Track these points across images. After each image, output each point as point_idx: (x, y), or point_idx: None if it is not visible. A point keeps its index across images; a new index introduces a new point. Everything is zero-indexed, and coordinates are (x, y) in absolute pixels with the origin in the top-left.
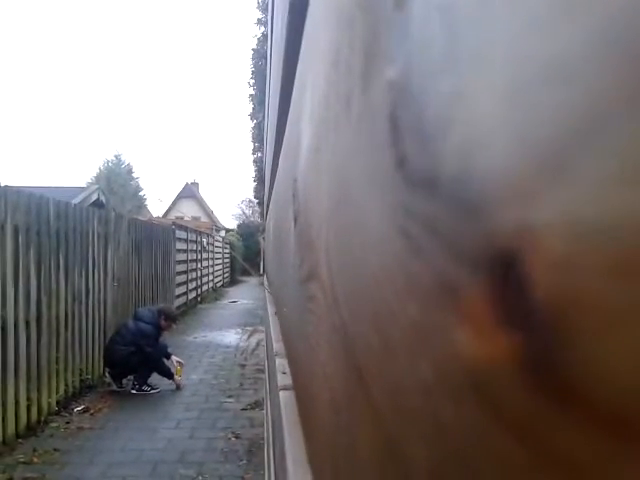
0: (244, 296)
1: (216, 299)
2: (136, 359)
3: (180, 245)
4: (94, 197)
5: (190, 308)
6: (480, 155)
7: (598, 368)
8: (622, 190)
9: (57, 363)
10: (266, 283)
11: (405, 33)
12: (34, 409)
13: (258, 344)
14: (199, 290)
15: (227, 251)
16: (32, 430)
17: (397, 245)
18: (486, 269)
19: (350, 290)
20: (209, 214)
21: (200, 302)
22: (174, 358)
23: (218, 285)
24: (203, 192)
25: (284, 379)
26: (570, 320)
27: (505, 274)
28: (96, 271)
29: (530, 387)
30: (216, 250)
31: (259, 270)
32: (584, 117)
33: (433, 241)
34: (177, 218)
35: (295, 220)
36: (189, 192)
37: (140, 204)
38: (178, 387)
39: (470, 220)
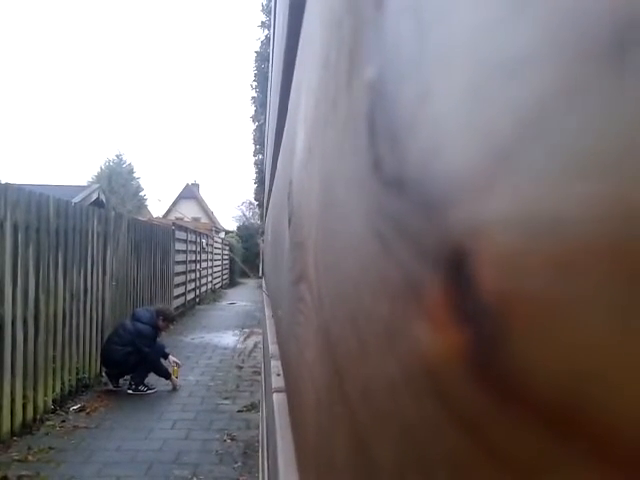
0: (242, 298)
1: (214, 300)
2: (134, 359)
3: (179, 246)
4: (94, 196)
5: (188, 309)
6: (439, 155)
7: (540, 364)
8: (566, 188)
9: (54, 361)
10: (264, 285)
11: (382, 34)
12: (30, 407)
13: (255, 346)
14: (198, 291)
15: (226, 253)
16: (27, 428)
17: (372, 247)
18: (443, 268)
19: (333, 291)
20: (209, 215)
21: (198, 303)
22: (171, 358)
23: (217, 286)
24: (204, 193)
25: (278, 381)
26: (515, 316)
27: (458, 272)
28: (95, 270)
29: (478, 382)
30: (215, 251)
31: (258, 272)
32: (532, 116)
33: (402, 242)
34: (177, 219)
35: (289, 222)
36: (190, 193)
37: (140, 204)
38: (174, 388)
39: (431, 220)
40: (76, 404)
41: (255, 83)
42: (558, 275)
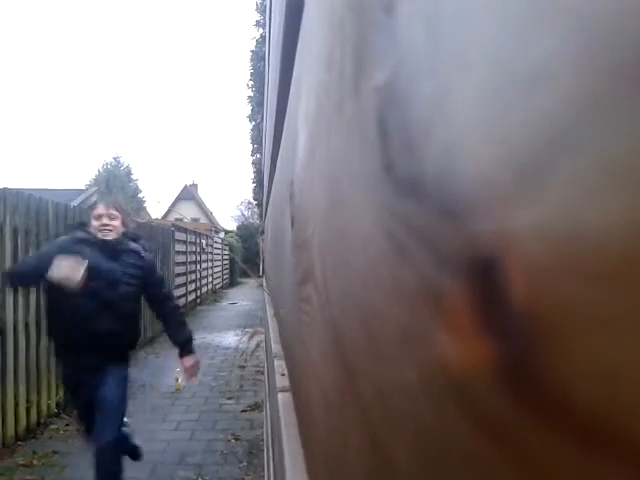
0: (243, 298)
1: (215, 301)
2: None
3: (179, 247)
4: (93, 199)
5: (189, 310)
6: (460, 159)
7: (571, 374)
8: (598, 197)
9: (57, 365)
10: (265, 285)
11: (393, 38)
12: (34, 411)
13: (258, 345)
14: (198, 292)
15: (226, 253)
16: (32, 432)
17: (384, 248)
18: (466, 273)
19: (341, 291)
20: (208, 216)
21: (199, 304)
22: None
23: (217, 287)
24: (202, 194)
25: (282, 381)
26: (545, 326)
27: (484, 278)
28: None
29: (506, 392)
30: (215, 252)
31: (259, 272)
32: (560, 121)
33: (417, 244)
34: (176, 220)
35: (292, 222)
36: (188, 194)
37: (139, 206)
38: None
39: (451, 224)
40: None
41: (251, 82)
42: (590, 284)
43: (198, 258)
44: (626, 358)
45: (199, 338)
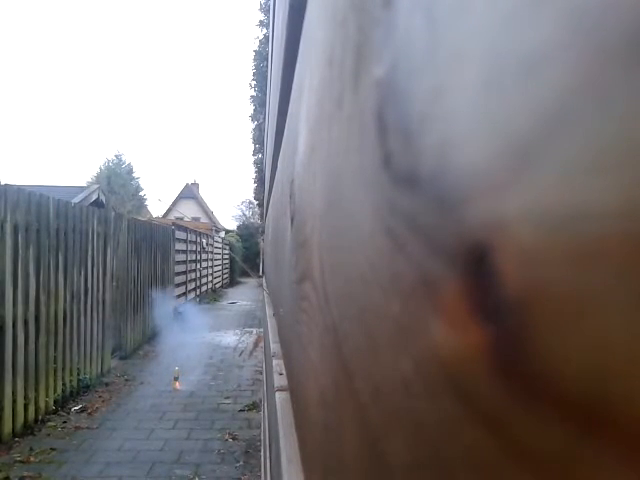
0: (243, 297)
1: (215, 300)
2: None
3: (179, 245)
4: (94, 197)
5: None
6: (455, 151)
7: (565, 360)
8: (591, 184)
9: (55, 362)
10: (265, 285)
11: (392, 31)
12: (31, 408)
13: (256, 345)
14: (198, 291)
15: (227, 252)
16: (29, 429)
17: (383, 244)
18: (461, 263)
19: (340, 289)
20: (209, 215)
21: (199, 303)
22: None
23: (217, 286)
24: (203, 193)
25: (280, 380)
26: (539, 312)
27: (478, 267)
28: (95, 270)
29: (501, 380)
30: (215, 251)
31: (258, 271)
32: (552, 112)
33: (415, 239)
34: (177, 218)
35: (292, 221)
36: (189, 193)
37: (140, 204)
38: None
39: (447, 216)
40: (77, 404)
41: (254, 82)
42: (583, 270)
43: (198, 257)
44: (619, 341)
45: (198, 337)
